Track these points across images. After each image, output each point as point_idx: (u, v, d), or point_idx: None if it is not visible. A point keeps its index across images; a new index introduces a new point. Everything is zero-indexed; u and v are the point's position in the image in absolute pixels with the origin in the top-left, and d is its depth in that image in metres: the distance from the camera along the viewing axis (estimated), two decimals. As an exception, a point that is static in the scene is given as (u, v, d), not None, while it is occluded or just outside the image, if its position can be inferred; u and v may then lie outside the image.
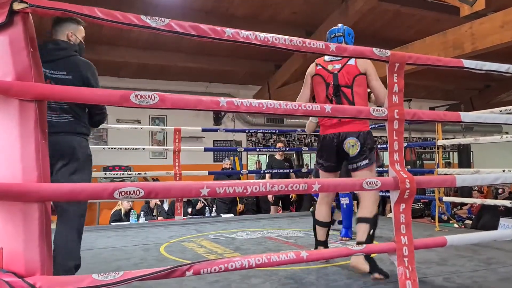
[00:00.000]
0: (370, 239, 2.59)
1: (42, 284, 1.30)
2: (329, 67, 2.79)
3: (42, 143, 1.35)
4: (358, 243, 2.54)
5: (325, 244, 2.96)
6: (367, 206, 2.68)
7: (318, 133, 3.04)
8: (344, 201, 4.09)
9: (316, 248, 2.95)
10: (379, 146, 8.28)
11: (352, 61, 2.74)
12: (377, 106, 2.69)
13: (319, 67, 2.84)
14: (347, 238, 3.95)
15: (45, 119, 1.37)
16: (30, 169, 1.31)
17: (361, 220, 2.67)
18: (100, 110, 2.52)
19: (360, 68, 2.73)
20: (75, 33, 2.52)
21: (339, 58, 2.70)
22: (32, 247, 1.32)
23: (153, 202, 6.73)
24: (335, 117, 2.24)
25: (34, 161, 1.31)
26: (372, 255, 2.56)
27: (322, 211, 2.95)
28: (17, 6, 1.29)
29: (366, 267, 2.52)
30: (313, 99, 2.99)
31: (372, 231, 2.62)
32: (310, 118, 3.58)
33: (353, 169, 2.76)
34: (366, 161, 2.69)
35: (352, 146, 2.66)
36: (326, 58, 2.82)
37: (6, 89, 1.28)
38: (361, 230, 2.63)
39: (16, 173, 1.30)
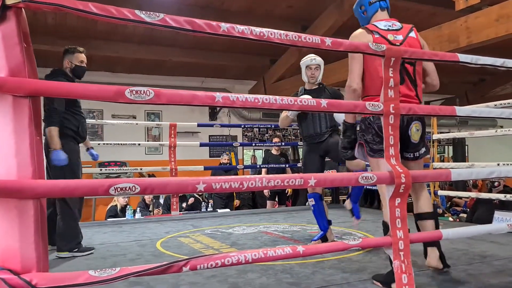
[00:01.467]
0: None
1: (38, 281, 1.30)
2: (390, 37, 2.27)
3: (37, 139, 1.34)
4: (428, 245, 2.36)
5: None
6: (427, 199, 2.42)
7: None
8: (311, 201, 3.45)
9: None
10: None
11: (413, 33, 2.34)
12: (430, 90, 2.53)
13: (377, 35, 2.26)
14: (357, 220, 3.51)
15: (40, 115, 1.36)
16: (25, 166, 1.30)
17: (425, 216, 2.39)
18: (47, 108, 2.97)
19: (422, 43, 2.36)
20: (71, 60, 3.35)
21: (397, 28, 2.32)
22: (27, 244, 1.31)
23: (148, 197, 6.72)
24: (326, 111, 1.92)
25: (29, 158, 1.30)
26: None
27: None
28: (10, 0, 1.28)
29: (439, 264, 2.37)
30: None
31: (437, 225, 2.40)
32: (288, 112, 3.33)
33: (411, 158, 2.37)
34: (424, 149, 2.40)
35: (417, 130, 2.31)
36: (381, 25, 2.32)
37: (0, 85, 1.26)
38: (428, 227, 2.36)
39: (11, 169, 1.29)
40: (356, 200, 3.51)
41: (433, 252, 2.38)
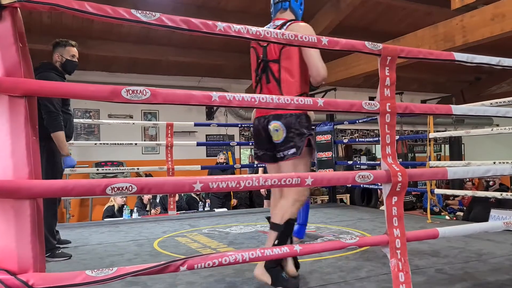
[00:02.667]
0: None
1: (35, 281, 1.29)
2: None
3: (33, 139, 1.34)
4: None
5: None
6: (280, 208, 2.22)
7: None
8: None
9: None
10: (370, 140, 8.33)
11: (283, 30, 2.17)
12: (314, 83, 2.31)
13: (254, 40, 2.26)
14: (297, 238, 3.31)
15: (36, 115, 1.35)
16: (21, 166, 1.29)
17: (271, 226, 2.24)
18: (46, 112, 2.92)
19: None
20: (61, 54, 3.25)
21: (274, 27, 2.29)
22: (24, 244, 1.31)
23: (146, 197, 6.71)
24: (322, 110, 1.87)
25: (25, 158, 1.30)
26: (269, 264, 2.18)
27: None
28: (5, 0, 1.27)
29: (268, 278, 2.17)
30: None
31: (278, 241, 2.13)
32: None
33: (279, 159, 2.29)
34: (293, 150, 2.21)
35: (276, 131, 2.23)
36: (269, 25, 2.36)
37: (-5, 85, 1.26)
38: (269, 238, 2.21)
39: (7, 169, 1.28)
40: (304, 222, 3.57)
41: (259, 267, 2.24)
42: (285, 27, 2.27)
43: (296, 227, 3.23)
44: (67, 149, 3.00)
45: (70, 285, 1.34)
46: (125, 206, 6.27)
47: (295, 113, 2.22)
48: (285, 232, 2.18)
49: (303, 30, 2.20)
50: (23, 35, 1.35)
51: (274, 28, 2.27)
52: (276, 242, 2.13)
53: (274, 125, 2.23)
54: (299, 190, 2.22)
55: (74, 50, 3.31)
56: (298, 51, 2.23)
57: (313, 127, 6.70)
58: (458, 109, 2.24)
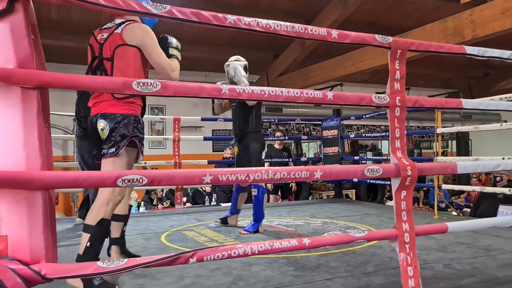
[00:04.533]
0: (87, 253, 2.05)
1: (47, 271, 1.31)
2: (99, 36, 2.28)
3: (45, 130, 1.35)
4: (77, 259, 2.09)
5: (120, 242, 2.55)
6: (93, 209, 2.16)
7: (316, 122, 2.97)
8: (253, 192, 3.73)
9: (109, 247, 2.53)
10: (377, 135, 8.28)
11: (119, 29, 2.21)
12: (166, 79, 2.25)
13: (92, 37, 2.33)
14: (247, 232, 3.62)
15: (48, 106, 1.36)
16: (34, 157, 1.30)
17: (84, 228, 2.15)
18: None
19: (126, 39, 2.18)
20: None
21: (111, 26, 2.26)
22: (36, 235, 1.32)
23: (158, 194, 6.75)
24: (332, 103, 1.94)
25: (38, 149, 1.31)
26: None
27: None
28: (17, -8, 1.28)
29: (80, 285, 2.05)
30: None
31: (90, 243, 2.07)
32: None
33: (102, 155, 2.23)
34: (113, 150, 2.16)
35: (102, 130, 2.20)
36: (106, 25, 2.33)
37: (8, 76, 1.27)
38: (82, 241, 2.11)
39: (20, 161, 1.30)
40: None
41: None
42: (123, 25, 2.22)
43: (250, 223, 3.70)
44: None
45: (82, 275, 1.36)
46: (132, 201, 6.30)
47: (122, 113, 2.18)
48: (98, 233, 2.11)
49: (142, 33, 2.22)
50: (35, 27, 1.36)
51: (112, 26, 2.27)
52: (88, 245, 2.06)
53: (100, 123, 2.20)
54: (113, 190, 2.14)
55: None
56: (135, 52, 2.19)
57: (319, 121, 6.69)
58: (468, 103, 2.22)
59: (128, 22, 2.22)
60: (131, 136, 2.18)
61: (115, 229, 2.49)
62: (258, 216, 3.68)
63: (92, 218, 2.10)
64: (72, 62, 7.73)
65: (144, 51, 2.20)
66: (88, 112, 2.30)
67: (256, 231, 3.64)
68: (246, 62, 3.97)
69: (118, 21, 2.26)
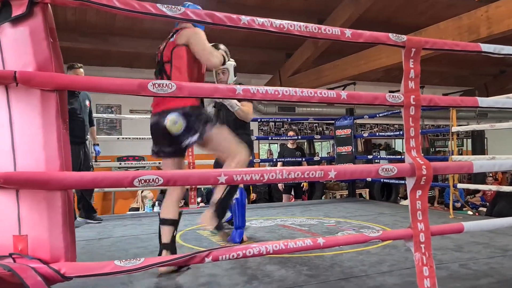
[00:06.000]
0: (223, 203, 2.50)
1: (66, 270, 1.34)
2: (161, 47, 2.57)
3: (63, 132, 1.37)
4: (211, 204, 2.54)
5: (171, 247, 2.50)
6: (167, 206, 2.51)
7: (329, 121, 2.93)
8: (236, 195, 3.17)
9: (160, 252, 2.50)
10: (391, 134, 8.21)
11: (172, 38, 2.50)
12: (209, 68, 2.56)
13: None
14: (233, 243, 3.17)
15: (66, 108, 1.39)
16: (53, 158, 1.33)
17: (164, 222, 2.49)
18: None
19: (178, 41, 2.44)
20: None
21: (169, 37, 2.54)
22: (56, 234, 1.35)
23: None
24: (345, 103, 2.01)
25: (57, 150, 1.34)
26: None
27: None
28: (36, -3, 1.31)
29: (213, 223, 2.48)
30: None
31: (226, 193, 2.51)
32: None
33: (186, 148, 2.47)
34: (197, 135, 2.33)
35: (174, 123, 2.31)
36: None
37: (28, 79, 1.30)
38: (217, 191, 2.54)
39: (40, 162, 1.32)
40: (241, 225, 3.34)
41: (208, 212, 2.52)
42: (178, 33, 2.48)
43: (234, 232, 3.24)
44: None
45: (100, 274, 1.39)
46: (148, 200, 6.36)
47: (190, 105, 2.36)
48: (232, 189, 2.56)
49: (192, 33, 2.45)
50: (54, 31, 1.39)
51: (170, 35, 2.55)
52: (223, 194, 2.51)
53: (171, 118, 2.31)
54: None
55: (81, 71, 4.02)
56: (187, 50, 2.42)
57: (332, 121, 6.67)
58: (484, 101, 2.19)
59: (180, 29, 2.50)
60: (207, 119, 2.47)
61: (165, 234, 2.49)
62: (242, 222, 3.31)
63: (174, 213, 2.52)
64: (88, 64, 7.80)
65: (190, 46, 2.41)
66: None
67: (242, 240, 3.24)
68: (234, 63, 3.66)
69: (173, 31, 2.54)
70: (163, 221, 2.49)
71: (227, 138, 2.51)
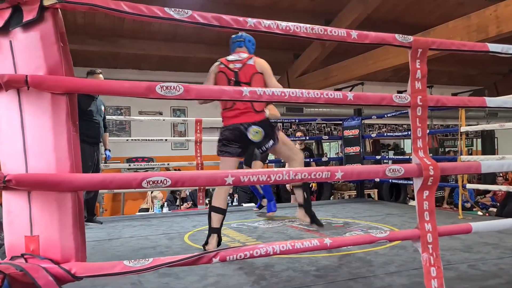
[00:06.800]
0: (307, 202, 3.36)
1: (77, 270, 1.36)
2: (231, 65, 3.09)
3: (74, 134, 1.40)
4: (299, 205, 3.40)
5: (218, 231, 2.97)
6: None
7: (337, 121, 3.32)
8: None
9: (208, 237, 2.94)
10: (399, 134, 8.21)
11: (251, 61, 3.07)
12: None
13: (222, 66, 3.12)
14: (273, 212, 4.62)
15: (76, 111, 1.42)
16: (63, 160, 1.36)
17: (294, 186, 3.41)
18: None
19: (258, 68, 3.05)
20: None
21: (240, 59, 3.11)
22: (66, 235, 1.38)
23: (183, 193, 6.85)
24: (352, 104, 2.13)
25: (67, 152, 1.36)
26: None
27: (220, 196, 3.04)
28: (47, 2, 1.34)
29: (307, 219, 3.34)
30: None
31: (306, 194, 3.35)
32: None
33: (263, 152, 3.23)
34: (272, 141, 3.07)
35: (256, 133, 2.99)
36: (229, 58, 3.16)
37: (39, 83, 1.32)
38: (298, 194, 3.37)
39: (51, 163, 1.35)
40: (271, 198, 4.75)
41: (301, 211, 3.37)
42: (253, 59, 3.10)
43: (268, 204, 4.67)
44: None
45: (109, 274, 1.41)
46: (157, 201, 6.40)
47: (263, 119, 3.06)
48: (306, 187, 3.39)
49: (265, 64, 3.10)
50: (64, 35, 1.42)
51: (241, 59, 3.11)
52: (304, 194, 3.35)
53: (254, 129, 2.99)
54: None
55: (101, 77, 4.21)
56: (262, 77, 3.04)
57: (340, 121, 6.66)
58: (493, 101, 2.18)
59: (255, 57, 3.13)
60: (276, 128, 3.17)
61: (215, 220, 2.96)
62: (271, 196, 4.72)
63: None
64: (96, 66, 7.87)
65: (265, 76, 3.05)
66: None
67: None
68: None
69: (243, 55, 3.14)
70: (214, 209, 2.97)
71: (287, 141, 3.27)
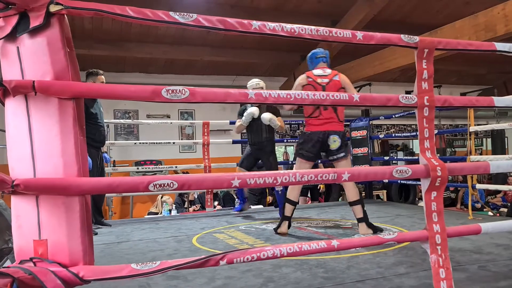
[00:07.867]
0: (365, 214, 3.53)
1: (85, 273, 1.37)
2: (319, 80, 3.48)
3: (81, 139, 1.41)
4: (358, 220, 3.54)
5: (289, 219, 3.64)
6: (351, 191, 3.54)
7: (345, 122, 3.68)
8: (278, 187, 4.49)
9: (281, 223, 3.64)
10: (407, 134, 8.18)
11: (337, 78, 3.49)
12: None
13: (310, 79, 3.51)
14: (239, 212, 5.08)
15: (83, 116, 1.43)
16: (71, 164, 1.37)
17: (351, 203, 3.55)
18: None
19: (342, 83, 3.48)
20: (94, 81, 4.04)
21: (326, 74, 3.51)
22: (74, 238, 1.39)
23: (191, 195, 6.87)
24: (358, 105, 2.21)
25: (74, 156, 1.38)
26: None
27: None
28: (53, 8, 1.35)
29: (370, 231, 3.49)
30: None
31: (363, 208, 3.53)
32: (242, 121, 4.42)
33: (333, 160, 3.58)
34: (343, 153, 3.53)
35: (334, 141, 3.48)
36: (315, 72, 3.54)
37: (46, 88, 1.34)
38: (357, 211, 3.54)
39: (58, 168, 1.36)
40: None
41: (362, 226, 3.53)
42: (338, 75, 3.53)
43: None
44: None
45: (117, 277, 1.41)
46: (165, 204, 6.43)
47: (344, 131, 3.58)
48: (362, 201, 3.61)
49: (347, 79, 3.55)
50: (70, 40, 1.43)
51: (327, 74, 3.54)
52: (364, 210, 3.55)
53: (334, 137, 3.48)
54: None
55: (103, 78, 4.17)
56: (345, 91, 3.35)
57: (348, 122, 6.65)
58: (501, 101, 2.16)
59: (339, 74, 3.54)
60: (349, 144, 3.56)
61: (288, 210, 3.62)
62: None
63: (355, 195, 3.56)
64: (104, 70, 7.90)
65: (347, 90, 3.49)
66: None
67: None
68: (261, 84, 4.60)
69: (328, 71, 3.55)
70: (288, 201, 3.63)
71: (350, 163, 3.74)
